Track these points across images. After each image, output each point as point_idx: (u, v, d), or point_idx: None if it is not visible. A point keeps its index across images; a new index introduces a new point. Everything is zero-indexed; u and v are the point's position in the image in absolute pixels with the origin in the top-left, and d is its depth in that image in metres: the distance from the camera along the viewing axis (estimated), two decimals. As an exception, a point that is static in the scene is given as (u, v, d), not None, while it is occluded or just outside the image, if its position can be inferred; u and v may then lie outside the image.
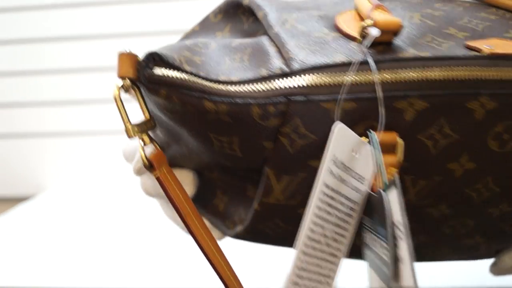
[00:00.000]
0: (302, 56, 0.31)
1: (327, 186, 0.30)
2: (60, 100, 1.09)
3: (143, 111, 0.31)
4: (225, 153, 0.32)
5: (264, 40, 0.34)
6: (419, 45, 0.33)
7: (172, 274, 0.68)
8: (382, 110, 0.30)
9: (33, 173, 1.13)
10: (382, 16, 0.32)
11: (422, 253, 0.41)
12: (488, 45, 0.33)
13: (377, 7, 0.33)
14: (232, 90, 0.30)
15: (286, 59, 0.32)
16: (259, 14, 0.36)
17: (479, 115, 0.31)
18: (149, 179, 0.39)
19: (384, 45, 0.32)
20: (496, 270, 0.43)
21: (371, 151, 0.31)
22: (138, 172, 0.38)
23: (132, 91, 0.30)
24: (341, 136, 0.30)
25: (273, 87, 0.30)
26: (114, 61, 1.06)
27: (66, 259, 0.74)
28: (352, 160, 0.30)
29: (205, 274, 0.67)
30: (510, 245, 0.41)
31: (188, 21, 1.02)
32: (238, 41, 0.35)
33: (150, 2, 1.03)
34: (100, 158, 1.10)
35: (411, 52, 0.32)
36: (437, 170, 0.33)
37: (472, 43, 0.33)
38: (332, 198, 0.30)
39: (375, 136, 0.31)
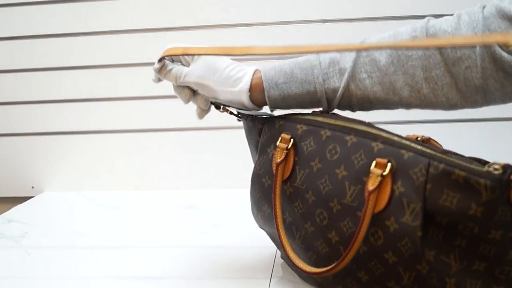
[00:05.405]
0: None
1: None
2: (60, 99, 1.08)
3: None
4: None
5: None
6: None
7: (170, 275, 0.67)
8: None
9: (31, 173, 1.12)
10: None
11: None
12: None
13: None
14: None
15: None
16: None
17: None
18: None
19: None
20: None
21: None
22: None
23: None
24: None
25: None
26: (112, 59, 1.05)
27: (65, 259, 0.74)
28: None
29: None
30: None
31: (186, 19, 1.02)
32: None
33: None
34: (99, 158, 1.10)
35: None
36: None
37: None
38: None
39: None
